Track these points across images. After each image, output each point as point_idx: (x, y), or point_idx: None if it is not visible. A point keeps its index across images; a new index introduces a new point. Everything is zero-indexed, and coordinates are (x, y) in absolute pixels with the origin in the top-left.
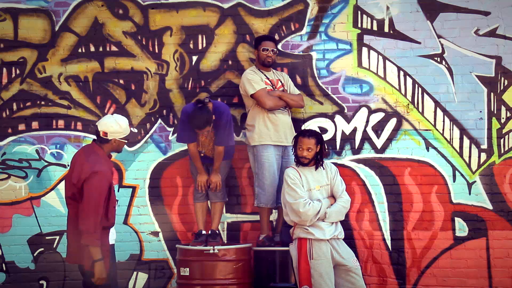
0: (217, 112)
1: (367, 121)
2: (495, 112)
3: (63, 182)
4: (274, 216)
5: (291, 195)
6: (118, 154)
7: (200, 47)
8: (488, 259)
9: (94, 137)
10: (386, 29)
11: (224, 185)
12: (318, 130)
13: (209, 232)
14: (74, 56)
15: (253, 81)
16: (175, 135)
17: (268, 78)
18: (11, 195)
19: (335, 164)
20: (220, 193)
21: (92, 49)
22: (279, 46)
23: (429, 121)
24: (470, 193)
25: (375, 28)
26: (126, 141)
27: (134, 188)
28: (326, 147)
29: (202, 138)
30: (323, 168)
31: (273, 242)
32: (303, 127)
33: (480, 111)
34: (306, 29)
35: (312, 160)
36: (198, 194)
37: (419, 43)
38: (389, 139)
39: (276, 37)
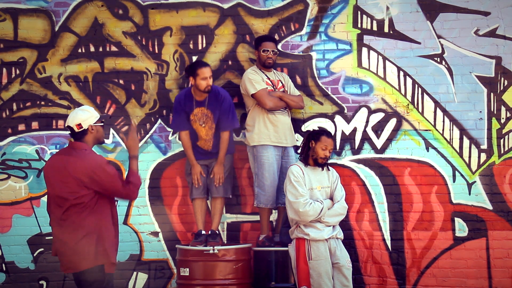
0: (220, 97)
1: (367, 121)
2: (495, 112)
3: None
4: (274, 216)
5: (292, 192)
6: (118, 154)
7: (200, 47)
8: (488, 259)
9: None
10: (386, 29)
11: (229, 181)
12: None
13: (209, 232)
14: (74, 56)
15: (254, 80)
16: (176, 135)
17: (269, 79)
18: (11, 195)
19: (335, 164)
20: (222, 188)
21: (92, 49)
22: (279, 46)
23: (429, 121)
24: (470, 193)
25: (375, 28)
26: (102, 124)
27: None
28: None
29: (202, 133)
30: (328, 170)
31: (273, 242)
32: (303, 128)
33: (480, 111)
34: (306, 29)
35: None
36: (195, 191)
37: (419, 43)
38: (389, 139)
39: (276, 37)
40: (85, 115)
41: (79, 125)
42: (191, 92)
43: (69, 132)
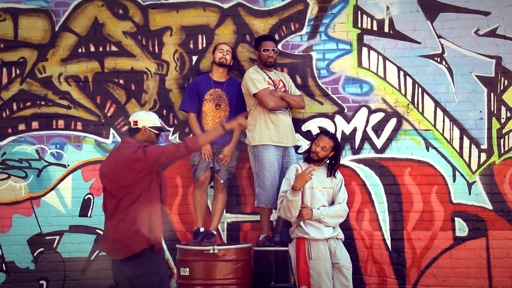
0: (239, 84)
1: (367, 121)
2: (495, 112)
3: (63, 182)
4: (274, 216)
5: (282, 188)
6: None
7: (200, 47)
8: (488, 259)
9: (95, 137)
10: (386, 29)
11: (230, 172)
12: (318, 131)
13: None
14: (74, 56)
15: (256, 80)
16: (176, 135)
17: (270, 78)
18: (11, 195)
19: None
20: (225, 176)
21: (92, 49)
22: (279, 46)
23: (429, 121)
24: (470, 193)
25: (375, 28)
26: (157, 132)
27: None
28: (340, 159)
29: (214, 115)
30: (335, 177)
31: (273, 242)
32: (303, 127)
33: (480, 111)
34: (306, 29)
35: (321, 160)
36: (201, 168)
37: (419, 43)
38: (389, 139)
39: (276, 37)
40: (144, 116)
41: (135, 122)
42: (209, 75)
43: (128, 127)
